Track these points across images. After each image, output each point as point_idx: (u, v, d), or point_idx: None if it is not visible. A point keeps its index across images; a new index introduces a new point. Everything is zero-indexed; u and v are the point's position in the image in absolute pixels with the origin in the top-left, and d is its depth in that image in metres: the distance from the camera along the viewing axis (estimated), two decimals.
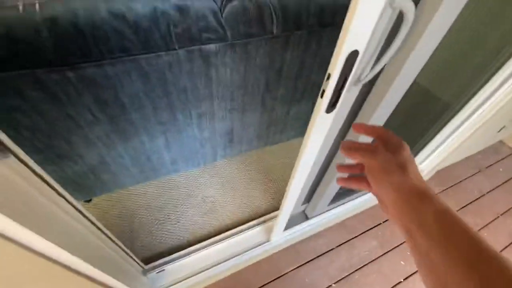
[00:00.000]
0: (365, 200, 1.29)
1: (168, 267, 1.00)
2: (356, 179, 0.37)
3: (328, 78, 0.46)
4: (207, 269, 1.01)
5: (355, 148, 0.34)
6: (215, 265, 1.02)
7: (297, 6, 0.79)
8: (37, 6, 0.58)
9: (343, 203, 1.23)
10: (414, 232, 0.26)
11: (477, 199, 1.50)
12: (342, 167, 0.40)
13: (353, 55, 0.43)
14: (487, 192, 1.54)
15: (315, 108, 0.53)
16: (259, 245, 1.09)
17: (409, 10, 0.41)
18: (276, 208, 1.35)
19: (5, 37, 0.56)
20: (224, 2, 0.74)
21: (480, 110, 1.02)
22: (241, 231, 1.12)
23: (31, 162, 0.36)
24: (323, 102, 0.50)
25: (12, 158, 0.33)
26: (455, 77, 1.05)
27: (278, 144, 1.50)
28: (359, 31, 0.40)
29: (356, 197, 1.25)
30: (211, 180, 1.36)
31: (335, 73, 0.45)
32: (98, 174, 0.98)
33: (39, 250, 0.38)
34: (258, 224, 1.15)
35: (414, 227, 0.26)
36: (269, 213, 1.22)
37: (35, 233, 0.35)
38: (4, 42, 0.57)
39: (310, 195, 1.05)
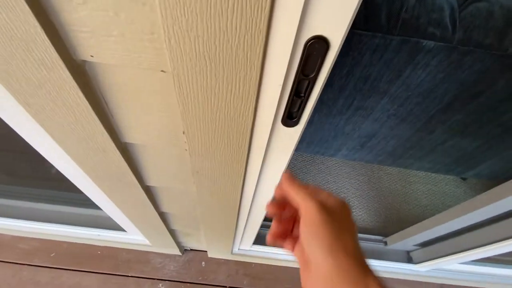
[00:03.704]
0: None
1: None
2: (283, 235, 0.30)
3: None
4: None
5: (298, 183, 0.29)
6: None
7: None
8: None
9: None
10: None
11: None
12: (272, 205, 0.31)
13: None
14: None
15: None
16: None
17: None
18: (368, 231, 1.24)
19: None
20: (467, 1, 0.66)
21: None
22: None
23: None
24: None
25: None
26: None
27: (401, 168, 1.36)
28: None
29: None
30: (318, 172, 1.33)
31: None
32: None
33: None
34: None
35: None
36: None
37: None
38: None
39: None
